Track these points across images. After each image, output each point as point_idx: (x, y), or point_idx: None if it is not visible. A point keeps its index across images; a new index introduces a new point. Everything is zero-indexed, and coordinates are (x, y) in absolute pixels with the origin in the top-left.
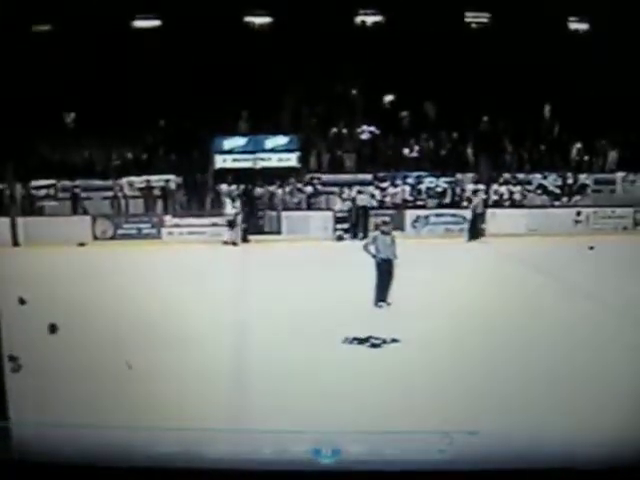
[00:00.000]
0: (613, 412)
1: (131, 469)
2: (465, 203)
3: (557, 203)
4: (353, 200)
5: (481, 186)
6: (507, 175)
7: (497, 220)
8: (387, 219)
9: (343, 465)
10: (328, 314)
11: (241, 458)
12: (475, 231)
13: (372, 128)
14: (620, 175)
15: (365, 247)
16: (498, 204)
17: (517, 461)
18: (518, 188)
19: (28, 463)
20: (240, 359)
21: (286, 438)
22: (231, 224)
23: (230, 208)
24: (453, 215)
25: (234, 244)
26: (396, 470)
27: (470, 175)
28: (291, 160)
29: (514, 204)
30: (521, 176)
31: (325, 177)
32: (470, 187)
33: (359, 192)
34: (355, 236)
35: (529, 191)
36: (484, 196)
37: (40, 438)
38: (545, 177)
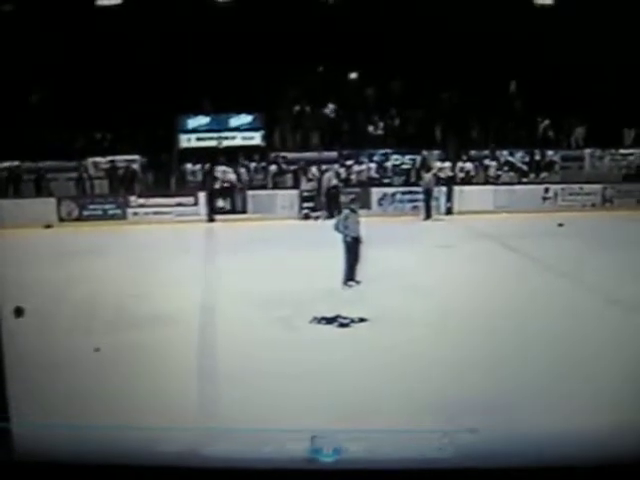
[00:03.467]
0: (612, 408)
1: (131, 468)
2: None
3: (525, 180)
4: (319, 179)
5: (447, 163)
6: (473, 152)
7: (464, 197)
8: (353, 196)
9: (343, 464)
10: (296, 294)
11: (240, 457)
12: (429, 209)
13: (336, 106)
14: (588, 151)
15: (336, 226)
16: (465, 181)
17: (517, 459)
18: (485, 165)
19: (29, 463)
20: (207, 342)
21: (286, 437)
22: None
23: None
24: (417, 193)
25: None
26: (396, 468)
27: (436, 152)
28: (255, 139)
29: (481, 181)
30: (487, 153)
31: (290, 155)
32: (437, 164)
33: (323, 172)
34: (331, 216)
35: (497, 168)
36: (435, 171)
37: (41, 438)
38: (512, 154)
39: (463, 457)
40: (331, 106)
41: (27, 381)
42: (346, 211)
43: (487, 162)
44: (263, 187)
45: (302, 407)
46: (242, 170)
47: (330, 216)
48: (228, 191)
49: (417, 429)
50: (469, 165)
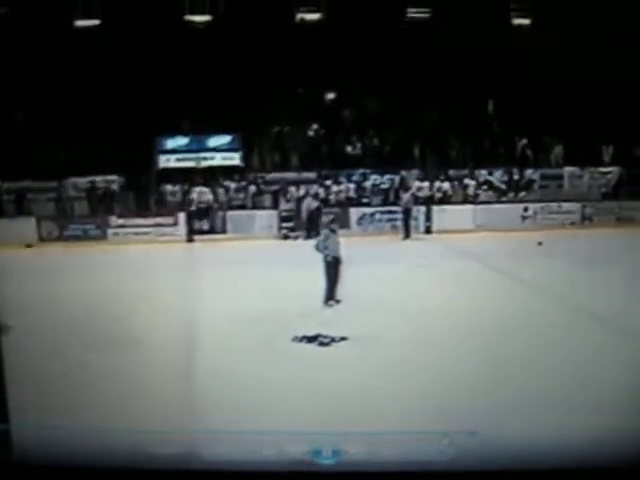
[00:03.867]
0: (611, 411)
1: (129, 471)
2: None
3: (504, 199)
4: (298, 200)
5: (425, 183)
6: (452, 171)
7: (443, 216)
8: (332, 216)
9: (343, 466)
10: (277, 313)
11: (239, 460)
12: (408, 229)
13: (315, 126)
14: (568, 170)
15: (316, 246)
16: (444, 200)
17: (516, 461)
18: (464, 184)
19: (28, 465)
20: (191, 362)
21: (285, 439)
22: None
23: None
24: (396, 212)
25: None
26: (395, 470)
27: (414, 172)
28: (234, 159)
29: (460, 200)
30: (466, 172)
31: (269, 176)
32: (416, 184)
33: (301, 198)
34: (310, 236)
35: (475, 187)
36: (413, 191)
37: (40, 440)
38: (491, 173)
39: (463, 459)
40: (314, 126)
41: (26, 383)
42: (326, 231)
43: (466, 181)
44: (242, 207)
45: (301, 409)
46: (221, 190)
47: (309, 236)
48: (206, 211)
49: (417, 431)
50: (446, 185)
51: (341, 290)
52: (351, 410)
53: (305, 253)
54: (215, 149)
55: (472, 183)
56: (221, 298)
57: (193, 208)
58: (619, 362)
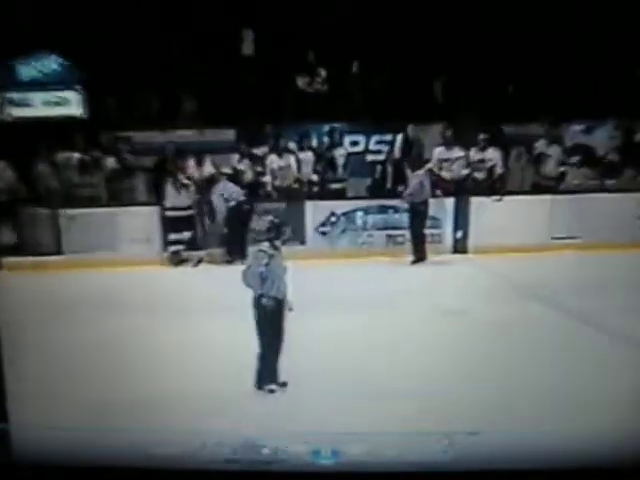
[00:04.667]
0: (613, 412)
1: (131, 470)
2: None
3: (610, 182)
4: (201, 184)
5: (456, 151)
6: (508, 128)
7: (489, 219)
8: (272, 219)
9: (343, 466)
10: (165, 406)
11: (240, 459)
12: (419, 242)
13: (240, 35)
14: None
15: (244, 277)
16: (492, 186)
17: (518, 461)
18: (535, 154)
19: (27, 465)
20: None
21: (284, 439)
22: None
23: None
24: (398, 210)
25: None
26: (397, 471)
27: (434, 129)
28: (70, 104)
29: (526, 186)
30: (539, 130)
31: (141, 137)
32: (436, 153)
33: (207, 181)
34: (228, 259)
35: (558, 160)
36: (432, 166)
37: (39, 440)
38: (589, 129)
39: (464, 460)
40: (238, 36)
41: (25, 383)
42: (264, 245)
43: (539, 147)
44: (92, 201)
45: (300, 408)
46: (43, 168)
47: (228, 258)
48: (8, 209)
49: (417, 431)
50: (496, 155)
51: (288, 364)
52: (350, 409)
53: (218, 290)
54: (32, 83)
55: (551, 152)
56: (59, 375)
57: None
58: (620, 362)
